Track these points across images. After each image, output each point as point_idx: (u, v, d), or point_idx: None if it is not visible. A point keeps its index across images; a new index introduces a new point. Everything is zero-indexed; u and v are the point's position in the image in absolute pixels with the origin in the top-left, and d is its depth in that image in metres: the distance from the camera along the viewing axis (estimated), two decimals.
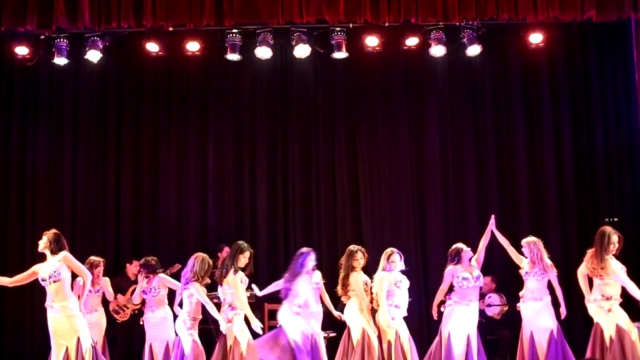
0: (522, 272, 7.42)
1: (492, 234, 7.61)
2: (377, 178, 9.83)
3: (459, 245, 7.61)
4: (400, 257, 7.53)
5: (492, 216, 7.58)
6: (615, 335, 6.81)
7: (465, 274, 7.42)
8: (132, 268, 9.08)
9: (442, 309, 7.49)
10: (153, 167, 9.89)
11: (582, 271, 7.13)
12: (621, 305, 6.97)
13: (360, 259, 7.59)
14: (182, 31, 8.93)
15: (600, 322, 6.94)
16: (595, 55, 9.70)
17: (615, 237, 6.94)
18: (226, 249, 8.75)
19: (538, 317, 7.27)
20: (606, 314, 6.89)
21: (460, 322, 7.34)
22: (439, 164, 9.79)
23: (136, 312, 8.66)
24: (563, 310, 7.32)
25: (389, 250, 7.60)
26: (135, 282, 8.82)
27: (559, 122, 9.70)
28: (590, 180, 9.59)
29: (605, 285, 6.92)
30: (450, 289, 7.50)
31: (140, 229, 9.78)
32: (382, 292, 7.37)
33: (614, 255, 6.95)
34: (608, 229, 7.02)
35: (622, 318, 6.90)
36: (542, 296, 7.30)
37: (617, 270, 6.86)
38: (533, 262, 7.33)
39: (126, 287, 8.79)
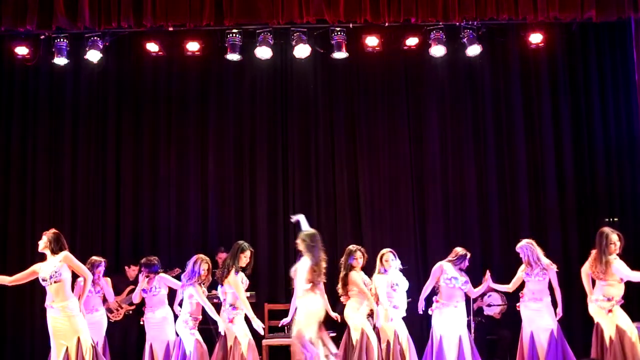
0: (522, 274, 7.41)
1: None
2: (377, 178, 9.83)
3: (467, 252, 7.58)
4: (394, 255, 7.54)
5: (488, 272, 7.59)
6: (615, 336, 6.81)
7: (455, 274, 7.41)
8: (130, 271, 9.06)
9: (430, 312, 7.49)
10: (153, 166, 9.88)
11: (585, 270, 7.13)
12: (622, 305, 6.97)
13: (359, 258, 7.59)
14: (182, 31, 8.93)
15: (600, 323, 6.95)
16: (595, 55, 9.70)
17: (614, 237, 6.93)
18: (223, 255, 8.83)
19: (538, 317, 7.28)
20: (606, 315, 6.89)
21: (450, 324, 7.33)
22: (438, 163, 9.80)
23: (130, 312, 8.64)
24: (559, 311, 7.34)
25: (382, 251, 7.60)
26: (133, 282, 8.82)
27: (559, 122, 9.70)
28: (590, 180, 9.58)
29: (608, 286, 6.91)
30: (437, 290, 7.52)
31: (140, 229, 9.77)
32: (381, 294, 7.40)
33: (618, 254, 6.94)
34: (607, 229, 7.01)
35: (623, 319, 6.90)
36: (543, 296, 7.31)
37: (620, 269, 6.84)
38: (530, 265, 7.33)
39: (123, 287, 8.77)
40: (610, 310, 6.88)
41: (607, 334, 6.85)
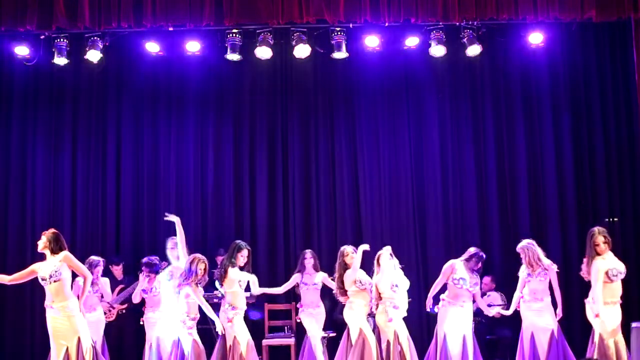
0: (524, 275, 7.40)
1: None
2: (377, 178, 9.82)
3: (483, 254, 7.56)
4: (391, 255, 7.51)
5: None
6: (605, 339, 6.81)
7: (464, 275, 7.40)
8: (115, 270, 9.00)
9: (435, 310, 7.48)
10: (153, 166, 9.88)
11: (584, 273, 7.13)
12: (621, 305, 6.96)
13: (351, 253, 7.59)
14: (182, 31, 8.93)
15: (592, 324, 6.95)
16: (595, 55, 9.69)
17: (600, 238, 6.91)
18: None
19: (539, 317, 7.28)
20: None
21: (455, 323, 7.32)
22: (439, 163, 9.79)
23: (123, 311, 8.62)
24: (559, 312, 7.33)
25: (379, 252, 7.59)
26: (122, 282, 8.81)
27: (559, 123, 9.69)
28: (590, 180, 9.58)
29: None
30: (444, 287, 7.50)
31: (140, 229, 9.77)
32: (382, 294, 7.39)
33: (611, 252, 6.93)
34: (595, 230, 7.00)
35: (611, 323, 6.86)
36: (543, 296, 7.31)
37: (598, 271, 6.81)
38: (531, 265, 7.32)
39: (113, 286, 8.71)
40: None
41: (597, 335, 6.87)
